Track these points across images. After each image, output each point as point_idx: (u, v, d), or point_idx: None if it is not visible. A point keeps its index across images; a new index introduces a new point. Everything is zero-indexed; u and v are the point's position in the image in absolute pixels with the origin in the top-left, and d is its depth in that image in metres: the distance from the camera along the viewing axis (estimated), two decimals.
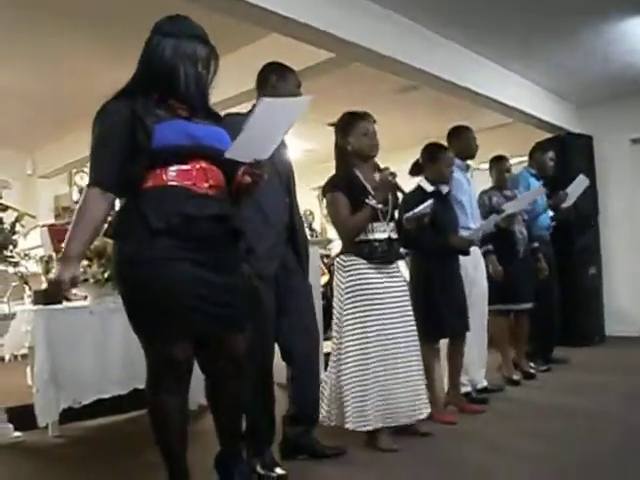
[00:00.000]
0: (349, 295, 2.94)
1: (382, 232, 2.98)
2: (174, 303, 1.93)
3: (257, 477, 2.58)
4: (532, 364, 4.77)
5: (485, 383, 4.08)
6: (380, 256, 2.96)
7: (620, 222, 6.56)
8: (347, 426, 2.88)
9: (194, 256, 1.95)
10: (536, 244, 4.74)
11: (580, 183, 4.92)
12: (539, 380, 4.53)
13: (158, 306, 1.93)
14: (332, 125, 3.18)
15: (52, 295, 1.98)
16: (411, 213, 3.12)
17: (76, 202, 4.34)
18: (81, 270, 3.54)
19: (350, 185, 2.98)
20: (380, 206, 2.93)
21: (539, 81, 5.98)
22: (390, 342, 2.94)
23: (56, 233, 4.00)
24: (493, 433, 3.18)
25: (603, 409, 3.53)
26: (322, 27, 3.74)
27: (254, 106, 2.77)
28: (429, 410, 3.09)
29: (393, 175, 2.93)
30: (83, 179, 7.67)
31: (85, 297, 3.80)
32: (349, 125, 3.03)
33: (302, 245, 2.83)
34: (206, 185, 2.02)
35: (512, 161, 4.75)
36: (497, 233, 4.15)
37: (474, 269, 3.95)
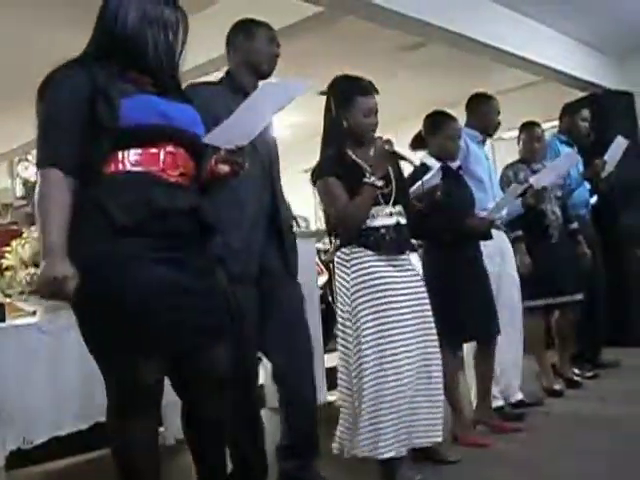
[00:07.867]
0: (358, 295, 2.88)
1: (388, 216, 2.94)
2: (144, 314, 1.90)
3: None
4: (576, 370, 4.76)
5: (521, 395, 4.05)
6: (389, 245, 2.92)
7: None
8: (354, 452, 2.80)
9: (165, 256, 1.94)
10: (575, 225, 4.70)
11: (618, 146, 4.82)
12: (585, 389, 4.52)
13: (124, 320, 1.89)
14: (323, 94, 3.12)
15: (49, 297, 1.91)
16: (415, 186, 3.10)
17: (21, 198, 4.28)
18: (27, 279, 3.55)
19: (342, 166, 2.95)
20: (381, 183, 2.88)
21: (568, 30, 5.93)
22: (409, 349, 2.87)
23: None
24: (532, 455, 3.17)
25: None
26: None
27: (223, 78, 2.80)
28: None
29: (389, 143, 2.87)
30: (28, 169, 7.59)
31: (34, 312, 3.75)
32: (348, 99, 2.99)
33: (289, 241, 2.82)
34: (176, 173, 2.02)
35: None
36: (524, 214, 4.11)
37: (502, 258, 3.93)
